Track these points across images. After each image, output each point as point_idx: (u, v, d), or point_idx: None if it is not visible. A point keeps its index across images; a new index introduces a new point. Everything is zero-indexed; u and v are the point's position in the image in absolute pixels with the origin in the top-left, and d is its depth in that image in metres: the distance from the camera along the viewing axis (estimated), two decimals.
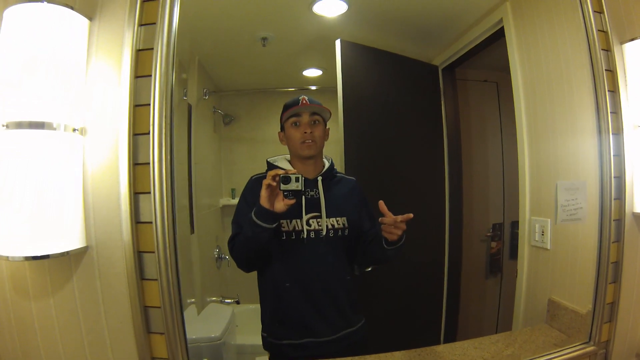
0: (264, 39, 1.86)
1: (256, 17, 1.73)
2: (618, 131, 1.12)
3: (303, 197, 1.17)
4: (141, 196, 0.86)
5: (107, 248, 0.86)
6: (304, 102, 1.21)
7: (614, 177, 1.10)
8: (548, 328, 1.31)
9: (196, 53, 1.92)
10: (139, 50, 0.87)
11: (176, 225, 0.84)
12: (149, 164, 0.84)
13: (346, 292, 1.24)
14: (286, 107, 1.25)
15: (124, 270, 0.85)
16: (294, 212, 1.14)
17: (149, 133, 0.84)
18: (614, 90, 1.11)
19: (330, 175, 1.26)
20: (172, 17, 0.86)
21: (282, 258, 1.18)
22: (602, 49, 1.09)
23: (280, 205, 1.05)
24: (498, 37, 1.53)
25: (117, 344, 0.88)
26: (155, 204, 0.83)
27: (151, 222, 0.84)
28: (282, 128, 1.27)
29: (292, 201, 1.05)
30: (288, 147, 1.26)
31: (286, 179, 1.03)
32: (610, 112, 1.09)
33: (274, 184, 1.03)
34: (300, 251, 1.18)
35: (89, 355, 0.88)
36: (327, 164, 1.27)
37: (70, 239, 0.82)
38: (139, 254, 0.85)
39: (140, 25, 0.87)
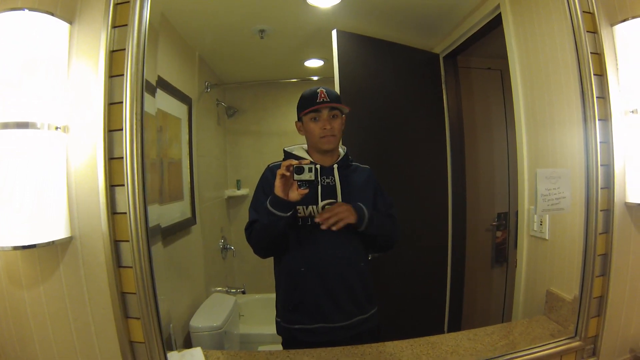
0: (262, 31, 1.87)
1: (252, 10, 1.75)
2: (606, 117, 1.07)
3: (319, 184, 1.19)
4: (117, 188, 0.90)
5: (89, 238, 0.91)
6: (323, 96, 1.21)
7: (601, 165, 1.06)
8: (546, 320, 1.28)
9: (196, 47, 1.95)
10: (113, 51, 0.90)
11: (148, 215, 0.88)
12: (122, 158, 0.88)
13: (359, 279, 1.25)
14: (304, 102, 1.24)
15: (104, 259, 0.90)
16: (310, 199, 1.17)
17: (122, 129, 0.88)
18: (602, 75, 1.06)
19: (345, 163, 1.27)
20: (141, 18, 0.89)
21: (298, 244, 1.21)
22: (587, 31, 1.04)
23: (295, 194, 1.08)
24: (497, 23, 1.48)
25: (101, 329, 0.93)
26: (129, 195, 0.87)
27: (125, 213, 0.88)
28: (299, 118, 1.27)
29: (306, 191, 1.08)
30: (306, 139, 1.27)
31: (299, 170, 1.05)
32: (597, 97, 1.04)
33: (288, 174, 1.06)
34: (316, 237, 1.20)
35: (76, 340, 0.94)
36: (342, 153, 1.28)
37: (56, 229, 0.88)
38: (115, 243, 0.90)
39: (114, 27, 0.91)
